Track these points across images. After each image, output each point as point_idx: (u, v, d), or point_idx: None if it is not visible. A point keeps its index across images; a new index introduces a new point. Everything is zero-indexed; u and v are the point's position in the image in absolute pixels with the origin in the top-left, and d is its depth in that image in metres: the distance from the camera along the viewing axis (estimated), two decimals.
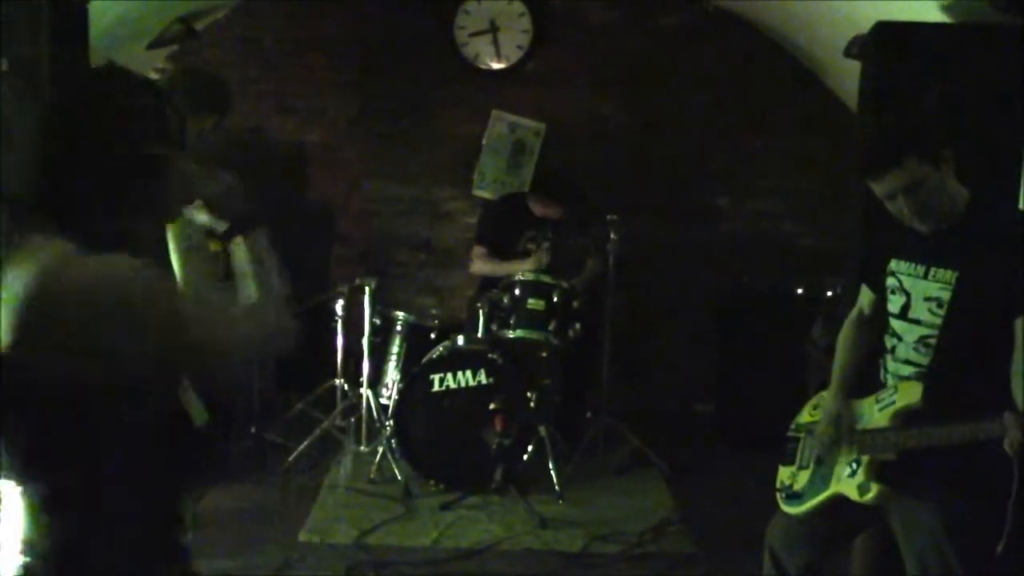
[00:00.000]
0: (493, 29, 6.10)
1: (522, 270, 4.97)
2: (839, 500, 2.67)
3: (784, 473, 2.93)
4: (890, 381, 2.64)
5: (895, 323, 2.63)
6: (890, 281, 2.64)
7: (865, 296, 2.82)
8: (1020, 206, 3.40)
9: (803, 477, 2.83)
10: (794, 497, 2.82)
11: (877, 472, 2.56)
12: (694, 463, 5.29)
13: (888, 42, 3.49)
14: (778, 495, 2.91)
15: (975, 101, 3.33)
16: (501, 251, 5.33)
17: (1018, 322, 2.36)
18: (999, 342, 2.40)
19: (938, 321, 2.49)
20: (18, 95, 3.56)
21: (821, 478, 2.75)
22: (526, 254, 5.23)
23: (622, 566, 4.04)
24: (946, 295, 2.48)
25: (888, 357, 2.66)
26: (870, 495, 2.56)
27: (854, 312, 2.88)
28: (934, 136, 2.47)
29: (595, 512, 4.57)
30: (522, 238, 5.31)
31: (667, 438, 5.46)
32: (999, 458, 2.26)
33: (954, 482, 2.44)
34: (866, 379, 2.76)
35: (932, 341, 2.51)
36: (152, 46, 5.39)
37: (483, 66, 6.15)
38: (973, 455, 2.33)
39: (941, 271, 2.50)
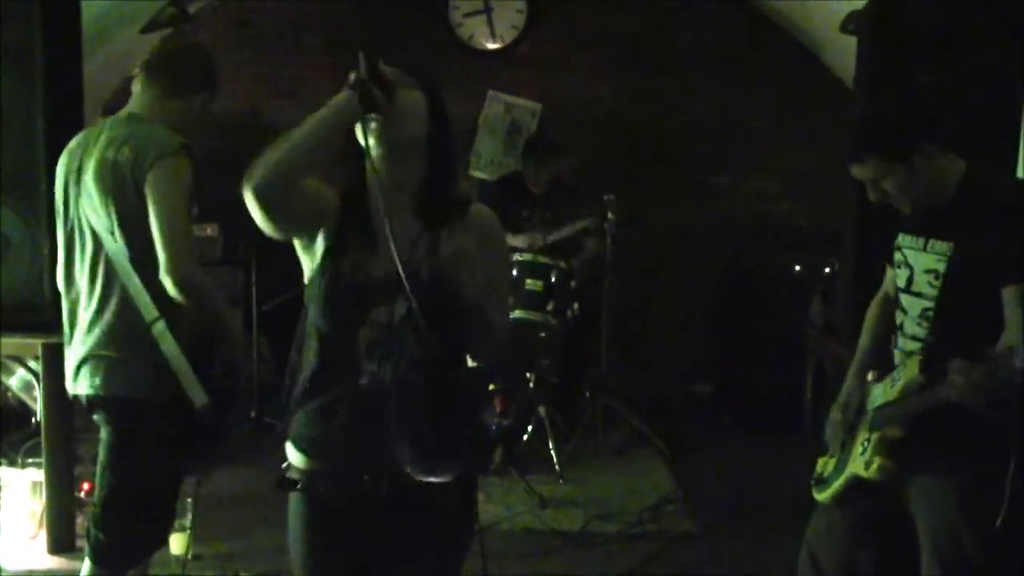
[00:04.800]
0: (487, 9, 6.07)
1: (513, 245, 4.97)
2: (856, 482, 2.66)
3: (820, 462, 2.92)
4: (898, 358, 2.64)
5: (902, 297, 2.62)
6: (897, 256, 2.64)
7: (888, 275, 2.81)
8: (1020, 171, 3.39)
9: (831, 464, 2.83)
10: (821, 483, 2.82)
11: (885, 448, 2.56)
12: (693, 442, 5.31)
13: (885, 17, 3.47)
14: (812, 485, 2.90)
15: (973, 75, 3.32)
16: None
17: (1006, 291, 2.35)
18: (993, 313, 2.40)
19: (935, 293, 2.50)
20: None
21: (843, 462, 2.75)
22: (521, 220, 5.24)
23: (621, 545, 4.05)
24: (942, 267, 2.48)
25: (898, 333, 2.65)
26: (873, 468, 2.55)
27: (880, 292, 2.86)
28: (901, 135, 2.47)
29: (594, 492, 4.59)
30: (518, 216, 5.31)
31: (666, 418, 5.48)
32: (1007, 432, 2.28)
33: (964, 457, 2.42)
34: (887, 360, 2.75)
35: (930, 314, 2.52)
36: (145, 30, 5.36)
37: (478, 47, 6.13)
38: (983, 429, 2.33)
39: (938, 243, 2.49)
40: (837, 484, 2.72)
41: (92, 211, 2.69)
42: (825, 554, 2.77)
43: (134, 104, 2.82)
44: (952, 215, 2.47)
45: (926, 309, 2.53)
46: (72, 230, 2.77)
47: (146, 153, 2.63)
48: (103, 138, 2.72)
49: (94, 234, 2.70)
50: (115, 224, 2.65)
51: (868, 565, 2.73)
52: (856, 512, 2.75)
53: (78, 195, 2.73)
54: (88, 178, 2.69)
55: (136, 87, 2.83)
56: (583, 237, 5.37)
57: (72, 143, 2.84)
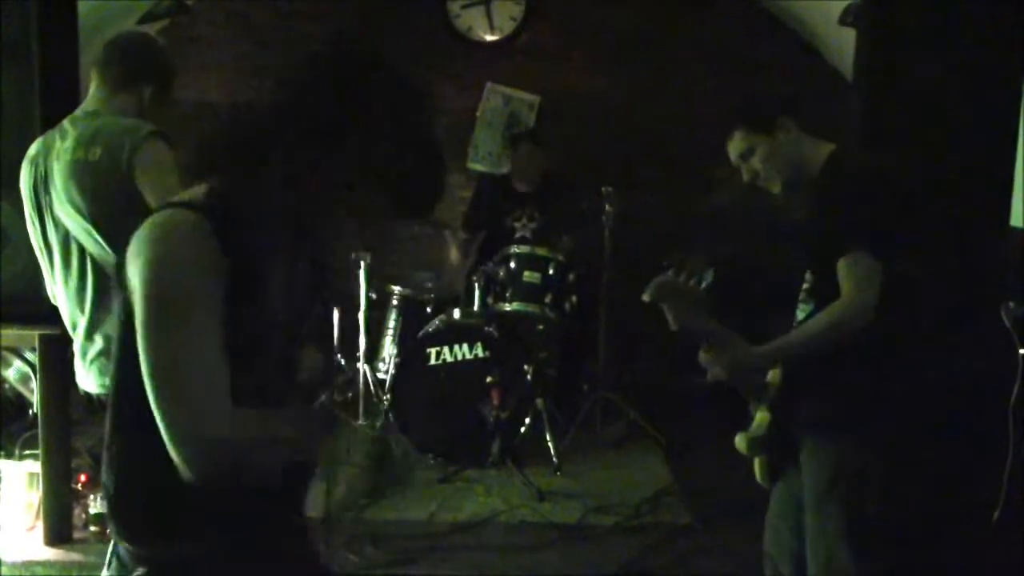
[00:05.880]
0: (486, 1, 6.06)
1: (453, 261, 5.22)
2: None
3: None
4: None
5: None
6: None
7: None
8: (1019, 163, 3.39)
9: None
10: None
11: (760, 424, 2.58)
12: (690, 435, 5.30)
13: (882, 7, 3.47)
14: None
15: (971, 64, 3.31)
16: (491, 233, 5.36)
17: (839, 263, 2.36)
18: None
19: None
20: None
21: None
22: (512, 232, 5.25)
23: (618, 537, 4.05)
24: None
25: None
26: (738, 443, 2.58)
27: None
28: (764, 107, 2.60)
29: (592, 484, 4.59)
30: (508, 217, 5.32)
31: (664, 410, 5.47)
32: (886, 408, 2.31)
33: (838, 438, 2.43)
34: None
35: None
36: (143, 21, 5.36)
37: (476, 38, 6.12)
38: (864, 410, 2.35)
39: (801, 227, 2.60)
40: (756, 465, 2.71)
41: (68, 217, 2.63)
42: (778, 551, 2.73)
43: (89, 102, 2.77)
44: (809, 198, 2.56)
45: None
46: (50, 238, 2.72)
47: (120, 146, 2.57)
48: (69, 140, 2.65)
49: (75, 239, 2.66)
50: (95, 227, 2.60)
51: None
52: (780, 497, 2.73)
53: (51, 203, 2.67)
54: (59, 184, 2.62)
55: (91, 85, 2.79)
56: (560, 234, 5.34)
57: (32, 150, 2.77)
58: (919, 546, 2.46)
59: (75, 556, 3.64)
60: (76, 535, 3.78)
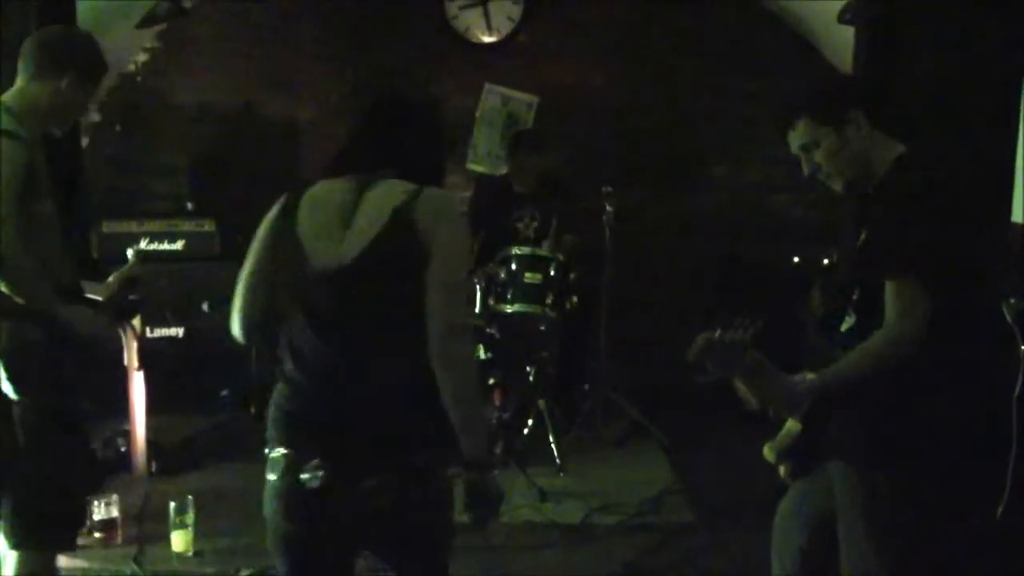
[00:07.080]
0: (484, 1, 6.05)
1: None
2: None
3: None
4: None
5: None
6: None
7: None
8: (1019, 159, 3.38)
9: None
10: None
11: (784, 434, 2.55)
12: (692, 434, 5.30)
13: (881, 5, 3.48)
14: None
15: (971, 62, 3.32)
16: (492, 233, 5.35)
17: (889, 284, 2.23)
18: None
19: (853, 280, 2.45)
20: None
21: None
22: (513, 232, 5.24)
23: (621, 537, 4.05)
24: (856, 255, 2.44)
25: None
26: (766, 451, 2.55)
27: None
28: (834, 98, 2.43)
29: (594, 484, 4.58)
30: (508, 217, 5.32)
31: (666, 409, 5.47)
32: (927, 428, 2.25)
33: (876, 457, 2.34)
34: None
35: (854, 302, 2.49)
36: (141, 25, 5.34)
37: (474, 39, 6.12)
38: (900, 422, 2.29)
39: (862, 231, 2.41)
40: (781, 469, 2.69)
41: None
42: (784, 549, 2.70)
43: (7, 92, 2.73)
44: (872, 204, 2.39)
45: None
46: None
47: None
48: None
49: None
50: None
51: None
52: (792, 501, 2.70)
53: None
54: None
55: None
56: (562, 233, 5.33)
57: None
58: (926, 543, 2.45)
59: (78, 563, 3.62)
60: (79, 541, 3.76)
